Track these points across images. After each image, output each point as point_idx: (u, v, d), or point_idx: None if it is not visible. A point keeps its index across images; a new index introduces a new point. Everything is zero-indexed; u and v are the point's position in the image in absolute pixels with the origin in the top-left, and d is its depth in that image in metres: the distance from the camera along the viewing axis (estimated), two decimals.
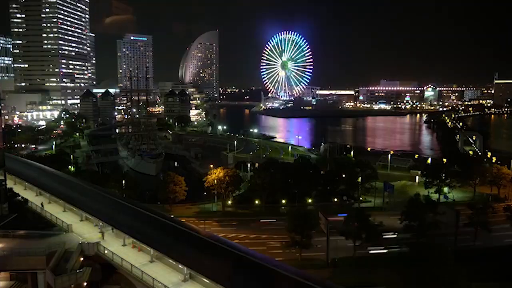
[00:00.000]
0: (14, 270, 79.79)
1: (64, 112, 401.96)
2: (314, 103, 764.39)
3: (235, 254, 68.84)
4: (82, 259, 78.78)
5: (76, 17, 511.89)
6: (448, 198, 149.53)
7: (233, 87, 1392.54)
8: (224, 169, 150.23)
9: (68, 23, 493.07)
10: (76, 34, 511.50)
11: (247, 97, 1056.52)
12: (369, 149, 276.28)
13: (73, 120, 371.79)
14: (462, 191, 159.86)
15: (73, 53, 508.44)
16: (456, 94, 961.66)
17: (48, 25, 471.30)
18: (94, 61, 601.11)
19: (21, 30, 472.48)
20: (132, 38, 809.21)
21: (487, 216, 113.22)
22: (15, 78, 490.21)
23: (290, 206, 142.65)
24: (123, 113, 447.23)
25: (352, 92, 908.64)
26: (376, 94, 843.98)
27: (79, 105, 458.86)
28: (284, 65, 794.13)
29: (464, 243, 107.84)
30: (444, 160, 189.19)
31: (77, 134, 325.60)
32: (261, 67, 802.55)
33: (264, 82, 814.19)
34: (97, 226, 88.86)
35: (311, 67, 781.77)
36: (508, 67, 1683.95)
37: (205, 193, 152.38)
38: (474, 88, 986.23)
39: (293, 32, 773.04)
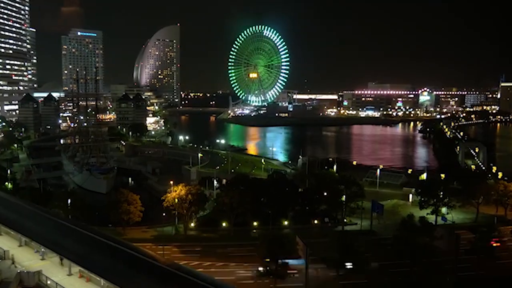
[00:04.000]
0: None
1: None
2: (291, 109, 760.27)
3: (199, 285, 68.85)
4: None
5: (14, 9, 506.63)
6: (447, 220, 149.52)
7: (197, 92, 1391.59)
8: (186, 186, 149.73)
9: (5, 16, 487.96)
10: (14, 29, 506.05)
11: (213, 102, 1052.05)
12: (354, 163, 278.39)
13: (10, 129, 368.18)
14: (463, 211, 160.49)
15: (11, 51, 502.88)
16: (456, 99, 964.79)
17: None
18: (35, 61, 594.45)
19: None
20: (79, 33, 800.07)
21: (491, 241, 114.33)
22: None
23: (263, 229, 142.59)
24: (68, 121, 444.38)
25: (335, 97, 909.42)
26: (363, 99, 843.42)
27: (17, 111, 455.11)
28: (256, 66, 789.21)
29: (465, 272, 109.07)
30: (442, 175, 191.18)
31: (15, 145, 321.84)
32: (229, 67, 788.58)
33: (233, 85, 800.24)
34: (38, 253, 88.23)
35: (288, 67, 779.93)
36: None
37: (164, 214, 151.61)
38: (477, 92, 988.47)
39: (266, 27, 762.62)
